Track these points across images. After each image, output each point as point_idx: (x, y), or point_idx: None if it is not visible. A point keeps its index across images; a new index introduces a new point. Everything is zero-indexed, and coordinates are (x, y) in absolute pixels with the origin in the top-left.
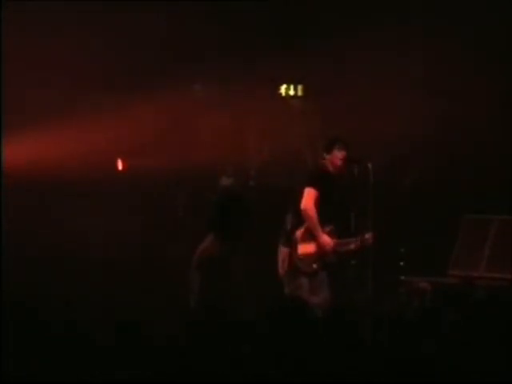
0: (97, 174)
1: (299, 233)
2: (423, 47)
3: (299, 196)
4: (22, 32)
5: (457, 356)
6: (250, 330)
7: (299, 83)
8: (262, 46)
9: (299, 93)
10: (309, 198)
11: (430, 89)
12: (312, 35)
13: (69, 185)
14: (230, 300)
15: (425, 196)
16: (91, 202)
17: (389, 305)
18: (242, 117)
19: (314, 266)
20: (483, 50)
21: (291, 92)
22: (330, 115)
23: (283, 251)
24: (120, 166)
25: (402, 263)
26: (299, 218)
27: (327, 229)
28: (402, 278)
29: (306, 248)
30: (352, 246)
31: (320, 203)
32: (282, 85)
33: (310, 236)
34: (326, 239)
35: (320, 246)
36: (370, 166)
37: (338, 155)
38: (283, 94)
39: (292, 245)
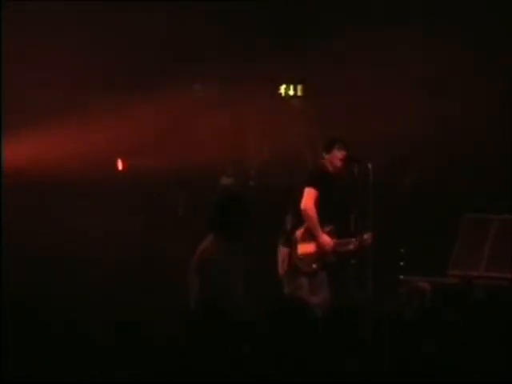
0: (97, 174)
1: (299, 233)
2: (423, 47)
3: (299, 196)
4: (22, 32)
5: (457, 356)
6: (250, 330)
7: (299, 83)
8: (262, 45)
9: (299, 93)
10: (309, 198)
11: (430, 89)
12: (312, 35)
13: (69, 185)
14: (230, 300)
15: (425, 196)
16: (91, 201)
17: (389, 305)
18: (241, 117)
19: (314, 266)
20: (483, 50)
21: (291, 92)
22: (330, 115)
23: (283, 251)
24: (120, 165)
25: (401, 263)
26: (299, 217)
27: (327, 229)
28: (402, 277)
29: (305, 248)
30: (351, 247)
31: (320, 203)
32: (281, 85)
33: (310, 236)
34: (326, 239)
35: (320, 246)
36: (369, 165)
37: (337, 155)
38: (283, 94)
39: (292, 245)
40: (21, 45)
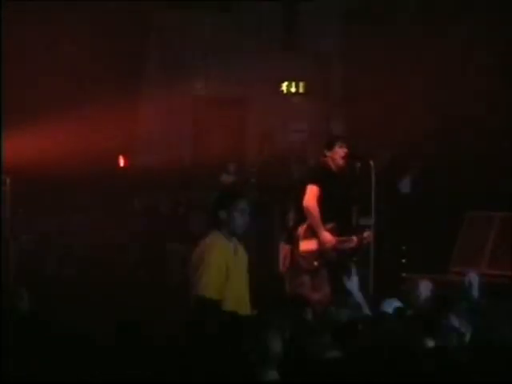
0: (97, 173)
1: (301, 230)
2: (423, 47)
3: (301, 193)
4: (22, 32)
5: (457, 355)
6: (250, 330)
7: (301, 80)
8: (263, 44)
9: (301, 90)
10: (311, 196)
11: (431, 89)
12: (312, 34)
13: (69, 184)
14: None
15: (425, 195)
16: (91, 201)
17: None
18: (243, 114)
19: (315, 263)
20: (483, 50)
21: (293, 89)
22: (331, 113)
23: (284, 248)
24: (122, 162)
25: (403, 260)
26: (301, 215)
27: (329, 226)
28: (404, 275)
29: (307, 245)
30: (351, 244)
31: (322, 200)
32: (283, 82)
33: (312, 233)
34: (328, 236)
35: (321, 244)
36: (371, 163)
37: (339, 152)
38: (285, 90)
39: (294, 242)
40: (21, 45)
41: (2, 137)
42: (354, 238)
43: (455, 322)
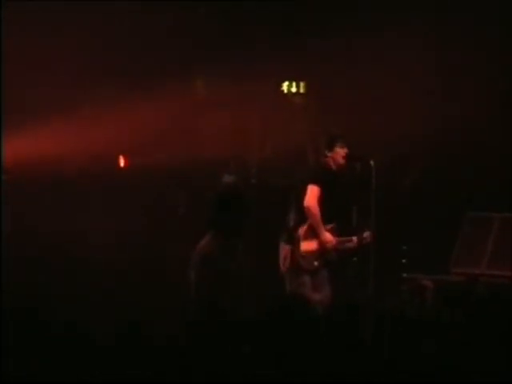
0: (97, 172)
1: (302, 230)
2: (424, 47)
3: (301, 193)
4: (22, 32)
5: (458, 354)
6: (250, 330)
7: (301, 80)
8: (264, 43)
9: (301, 90)
10: (312, 196)
11: (430, 89)
12: (313, 34)
13: (69, 183)
14: (230, 299)
15: (425, 195)
16: (91, 200)
17: (390, 302)
18: (243, 114)
19: (316, 263)
20: (483, 50)
21: (293, 89)
22: (332, 113)
23: (285, 248)
24: (122, 162)
25: (403, 261)
26: (302, 215)
27: (329, 226)
28: (404, 275)
29: (308, 245)
30: (351, 245)
31: (322, 201)
32: (284, 82)
33: (312, 233)
34: (328, 237)
35: (322, 244)
36: (372, 163)
37: (339, 153)
38: (285, 90)
39: (294, 242)
40: (21, 45)
41: (2, 137)
42: (354, 239)
43: None
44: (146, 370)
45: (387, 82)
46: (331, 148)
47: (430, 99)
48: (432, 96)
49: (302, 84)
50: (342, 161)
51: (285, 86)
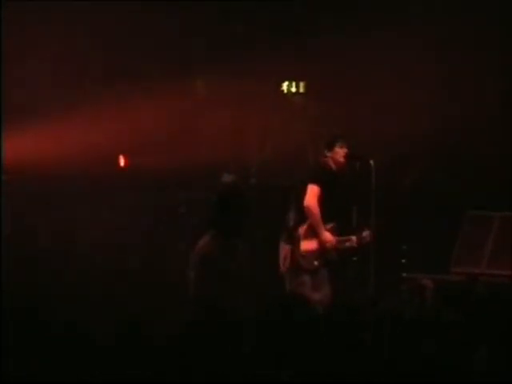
0: (97, 173)
1: (302, 230)
2: (424, 47)
3: (301, 193)
4: (22, 32)
5: (459, 353)
6: (250, 330)
7: (301, 80)
8: (264, 43)
9: (301, 90)
10: (312, 195)
11: (430, 89)
12: (314, 33)
13: (69, 183)
14: (230, 299)
15: (425, 195)
16: (91, 200)
17: (390, 302)
18: (243, 114)
19: (316, 263)
20: (483, 50)
21: (293, 89)
22: (332, 113)
23: (285, 248)
24: (122, 162)
25: (403, 260)
26: (302, 215)
27: (329, 226)
28: (404, 275)
29: (308, 245)
30: (351, 244)
31: (322, 200)
32: (283, 82)
33: (312, 233)
34: (328, 236)
35: (322, 243)
36: (371, 162)
37: (339, 152)
38: (285, 90)
39: (295, 242)
40: (21, 45)
41: (2, 137)
42: (354, 238)
43: None
44: (146, 370)
45: (387, 82)
46: (331, 148)
47: (430, 99)
48: (432, 96)
49: (301, 84)
50: (341, 160)
51: (285, 85)
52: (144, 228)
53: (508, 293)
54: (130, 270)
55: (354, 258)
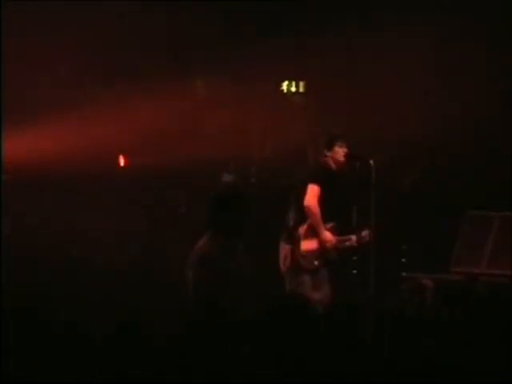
0: (97, 172)
1: (302, 229)
2: (423, 47)
3: (301, 193)
4: (22, 32)
5: (459, 353)
6: (250, 330)
7: (301, 80)
8: (264, 43)
9: (301, 89)
10: (312, 195)
11: (430, 89)
12: (314, 33)
13: (69, 183)
14: (230, 299)
15: (425, 195)
16: (91, 200)
17: (390, 301)
18: (243, 114)
19: (316, 262)
20: (483, 50)
21: (293, 88)
22: (332, 113)
23: (285, 248)
24: (122, 162)
25: (403, 260)
26: (302, 214)
27: (329, 226)
28: (404, 274)
29: (308, 245)
30: (348, 244)
31: (322, 200)
32: (283, 81)
33: (312, 233)
34: (328, 236)
35: (322, 243)
36: (371, 162)
37: (339, 152)
38: (285, 90)
39: (295, 241)
40: (21, 45)
41: (2, 137)
42: (353, 237)
43: None
44: (146, 370)
45: (387, 82)
46: (331, 148)
47: (430, 99)
48: (432, 96)
49: (301, 84)
50: (341, 160)
51: (284, 85)
52: (144, 228)
53: (508, 293)
54: (129, 269)
55: (354, 258)
